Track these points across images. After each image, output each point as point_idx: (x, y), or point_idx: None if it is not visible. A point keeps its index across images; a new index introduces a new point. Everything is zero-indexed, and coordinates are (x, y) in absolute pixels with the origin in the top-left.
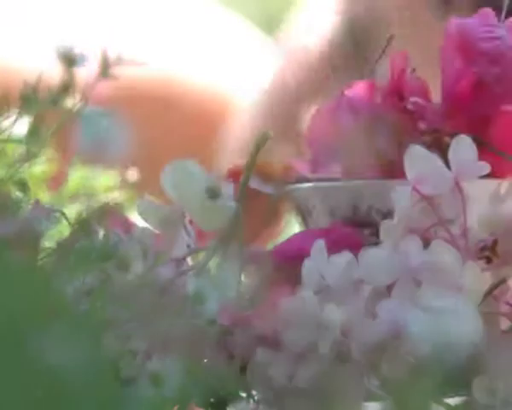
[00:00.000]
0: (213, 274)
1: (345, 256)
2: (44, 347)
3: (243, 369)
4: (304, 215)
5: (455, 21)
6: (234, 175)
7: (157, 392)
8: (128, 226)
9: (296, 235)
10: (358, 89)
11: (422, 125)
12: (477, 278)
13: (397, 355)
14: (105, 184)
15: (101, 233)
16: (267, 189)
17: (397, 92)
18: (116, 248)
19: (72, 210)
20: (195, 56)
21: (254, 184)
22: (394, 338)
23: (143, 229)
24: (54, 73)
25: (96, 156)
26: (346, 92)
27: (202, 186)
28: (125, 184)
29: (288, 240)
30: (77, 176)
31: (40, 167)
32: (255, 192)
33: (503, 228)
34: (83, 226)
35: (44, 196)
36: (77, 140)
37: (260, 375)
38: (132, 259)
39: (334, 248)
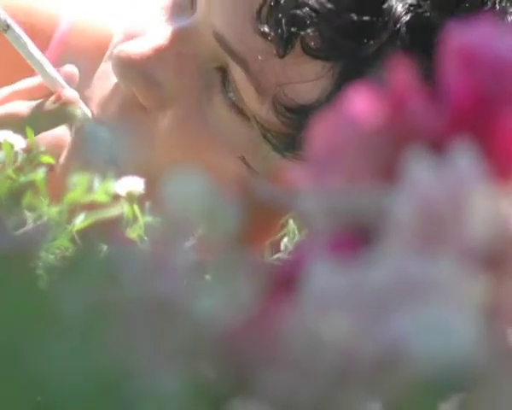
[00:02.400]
0: (215, 284)
1: (343, 269)
2: (41, 361)
3: (244, 381)
4: (303, 221)
5: (456, 30)
6: None
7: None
8: (126, 240)
9: (298, 247)
10: (361, 97)
11: (424, 133)
12: (481, 290)
13: (398, 373)
14: (105, 193)
15: (103, 247)
16: (269, 195)
17: (399, 100)
18: (117, 262)
19: (72, 219)
20: None
21: (259, 191)
22: (395, 355)
23: (143, 242)
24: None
25: (98, 166)
26: (349, 100)
27: (205, 196)
28: (128, 195)
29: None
30: (77, 185)
31: (40, 176)
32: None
33: (506, 237)
34: (84, 240)
35: (44, 206)
36: (78, 149)
37: (261, 389)
38: (133, 273)
39: (333, 256)
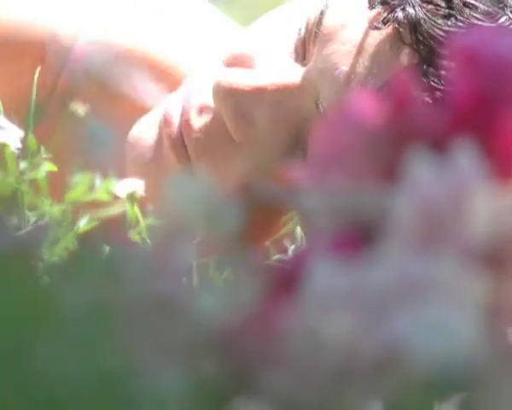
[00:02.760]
0: (217, 284)
1: (345, 269)
2: (43, 360)
3: (245, 380)
4: (305, 220)
5: (463, 32)
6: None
7: (158, 406)
8: (128, 240)
9: (300, 247)
10: (364, 98)
11: (425, 133)
12: (481, 290)
13: (399, 373)
14: (106, 192)
15: (105, 247)
16: (272, 194)
17: (401, 101)
18: (119, 262)
19: (74, 218)
20: None
21: (261, 190)
22: (396, 355)
23: (146, 243)
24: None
25: (98, 164)
26: (352, 103)
27: (206, 197)
28: (129, 196)
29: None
30: (78, 183)
31: (42, 175)
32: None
33: (507, 237)
34: (86, 241)
35: (46, 205)
36: (79, 148)
37: (262, 389)
38: (135, 273)
39: (334, 255)
